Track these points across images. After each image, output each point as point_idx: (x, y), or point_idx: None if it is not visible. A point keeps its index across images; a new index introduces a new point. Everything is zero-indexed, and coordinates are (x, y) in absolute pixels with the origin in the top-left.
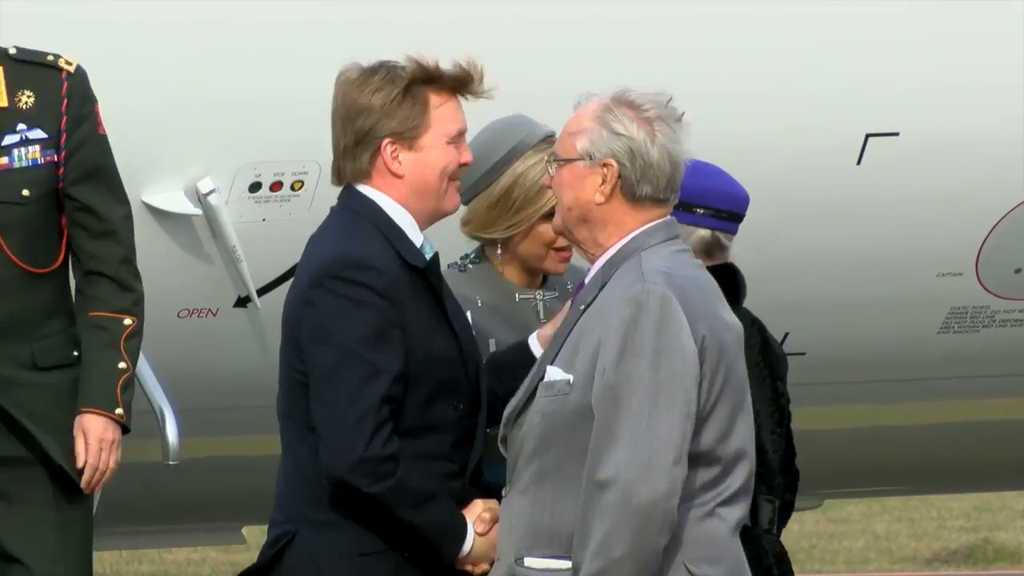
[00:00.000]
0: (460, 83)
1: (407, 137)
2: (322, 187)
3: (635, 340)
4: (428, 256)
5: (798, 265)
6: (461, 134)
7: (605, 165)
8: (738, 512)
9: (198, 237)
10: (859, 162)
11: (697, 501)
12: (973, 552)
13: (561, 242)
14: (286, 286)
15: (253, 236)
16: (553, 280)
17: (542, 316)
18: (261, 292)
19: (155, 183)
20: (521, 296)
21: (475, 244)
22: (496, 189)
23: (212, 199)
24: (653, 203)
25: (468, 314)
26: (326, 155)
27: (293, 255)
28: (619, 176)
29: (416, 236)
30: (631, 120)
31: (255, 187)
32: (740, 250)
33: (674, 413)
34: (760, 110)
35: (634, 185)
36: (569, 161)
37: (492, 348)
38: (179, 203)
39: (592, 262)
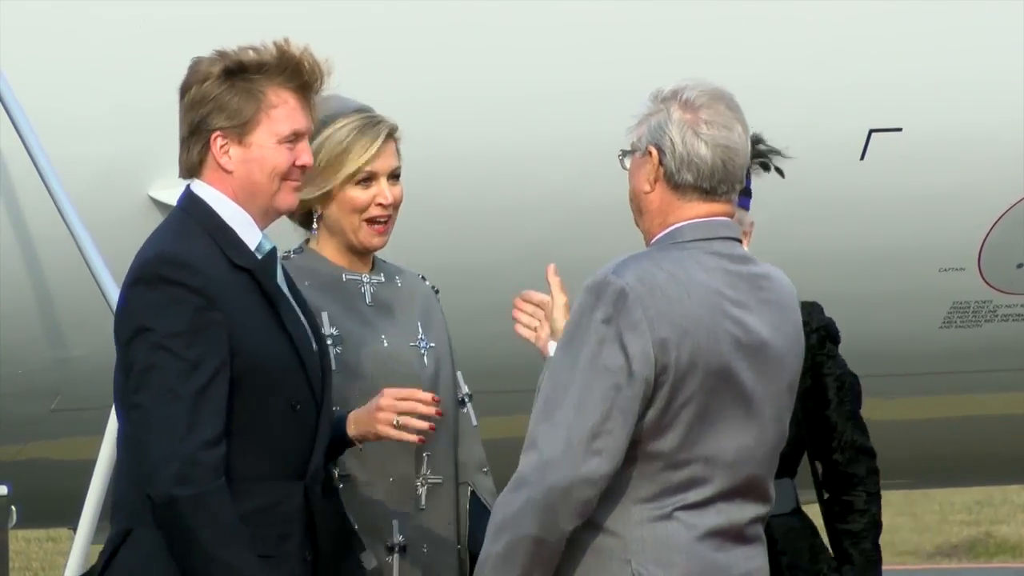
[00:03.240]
0: (303, 81)
1: (236, 132)
2: None
3: (587, 328)
4: (265, 253)
5: (801, 261)
6: (297, 134)
7: (648, 153)
8: (711, 519)
9: None
10: (863, 158)
11: (652, 504)
12: (975, 546)
13: (373, 212)
14: None
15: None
16: (382, 267)
17: (368, 300)
18: None
19: (162, 178)
20: (348, 277)
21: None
22: None
23: None
24: (700, 194)
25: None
26: None
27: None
28: (660, 164)
29: (251, 234)
30: (675, 109)
31: None
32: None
33: (606, 405)
34: (763, 107)
35: (674, 173)
36: (628, 153)
37: (326, 321)
38: None
39: None
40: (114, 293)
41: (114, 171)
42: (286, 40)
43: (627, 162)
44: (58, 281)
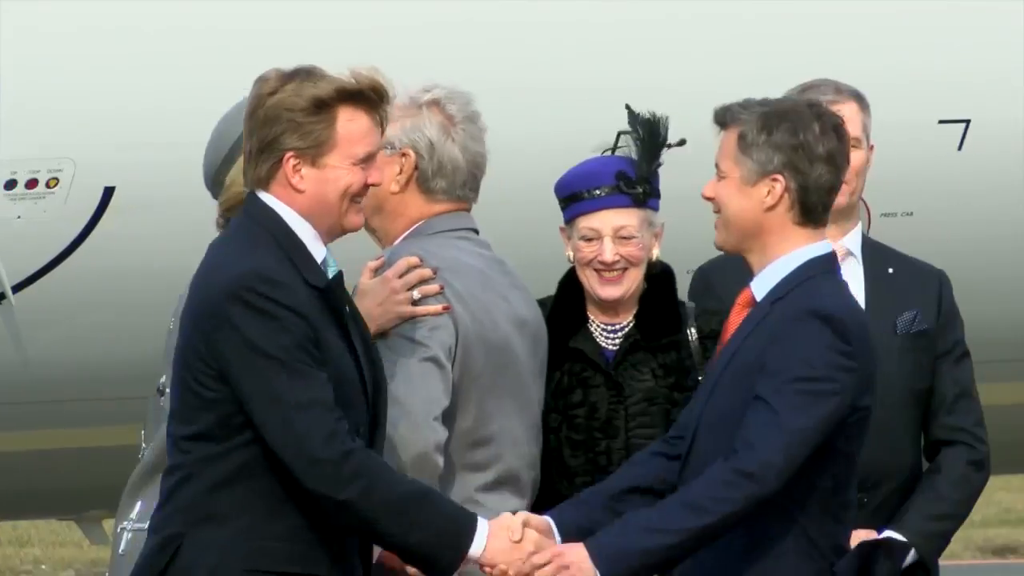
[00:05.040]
0: (375, 102)
1: (310, 154)
2: (77, 184)
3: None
4: (331, 272)
5: None
6: (370, 156)
7: (403, 154)
8: (502, 501)
9: None
10: None
11: (458, 484)
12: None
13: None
14: (41, 283)
15: (8, 233)
16: None
17: None
18: (16, 289)
19: None
20: None
21: None
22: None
23: None
24: (448, 199)
25: None
26: (80, 152)
27: (48, 252)
28: (415, 167)
29: (318, 250)
30: (436, 114)
31: (10, 184)
32: None
33: (429, 377)
34: None
35: (429, 179)
36: None
37: None
38: None
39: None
40: None
41: None
42: (369, 68)
43: None
44: None
